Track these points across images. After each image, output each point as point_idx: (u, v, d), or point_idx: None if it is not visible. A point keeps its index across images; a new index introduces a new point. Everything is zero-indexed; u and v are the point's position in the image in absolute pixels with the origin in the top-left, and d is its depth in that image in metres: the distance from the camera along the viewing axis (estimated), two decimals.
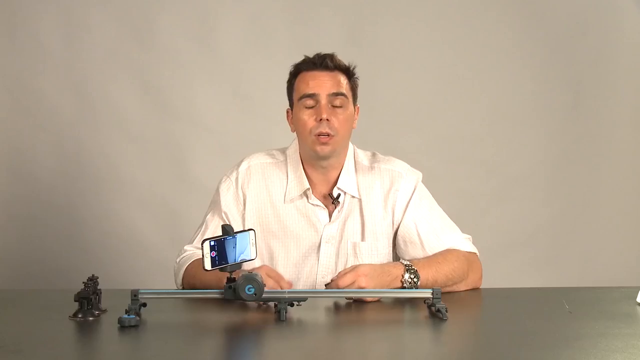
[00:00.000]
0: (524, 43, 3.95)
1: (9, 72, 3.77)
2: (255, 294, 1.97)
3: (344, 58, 2.48)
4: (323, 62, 2.41)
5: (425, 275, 2.31)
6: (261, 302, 2.09)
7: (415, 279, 2.28)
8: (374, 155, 2.55)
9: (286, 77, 2.49)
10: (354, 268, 2.22)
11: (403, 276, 2.28)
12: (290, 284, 2.22)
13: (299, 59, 2.46)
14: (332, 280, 2.23)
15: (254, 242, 2.01)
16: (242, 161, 2.52)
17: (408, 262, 2.32)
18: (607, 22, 3.95)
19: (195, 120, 3.85)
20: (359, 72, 2.48)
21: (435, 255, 2.41)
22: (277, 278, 2.20)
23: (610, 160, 3.99)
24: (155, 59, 3.82)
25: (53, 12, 3.78)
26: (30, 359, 1.72)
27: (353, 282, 2.19)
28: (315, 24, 3.86)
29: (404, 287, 2.28)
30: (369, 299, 2.19)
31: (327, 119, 2.37)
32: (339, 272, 2.24)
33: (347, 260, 2.44)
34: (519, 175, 3.98)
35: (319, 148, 2.39)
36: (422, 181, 2.53)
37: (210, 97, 3.85)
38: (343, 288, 2.18)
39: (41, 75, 3.78)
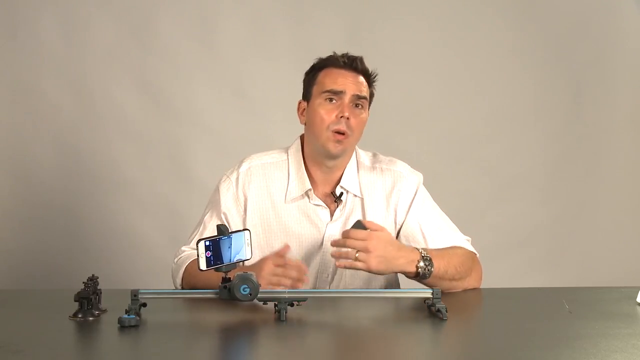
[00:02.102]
0: (524, 43, 3.95)
1: (9, 72, 3.77)
2: (250, 294, 1.97)
3: None
4: (353, 63, 2.43)
5: (438, 265, 2.30)
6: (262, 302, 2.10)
7: (429, 267, 2.28)
8: (375, 155, 2.56)
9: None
10: (371, 239, 2.19)
11: (419, 262, 2.27)
12: (301, 271, 2.19)
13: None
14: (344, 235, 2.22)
15: (250, 242, 2.01)
16: (242, 162, 2.52)
17: (423, 250, 2.31)
18: (607, 22, 3.95)
19: (195, 120, 3.85)
20: None
21: (444, 248, 2.41)
22: (285, 268, 2.18)
23: (610, 160, 3.99)
24: (155, 59, 3.82)
25: (53, 11, 3.77)
26: (30, 359, 1.72)
27: (360, 253, 2.18)
28: (316, 24, 3.86)
29: (418, 273, 2.28)
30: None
31: (348, 118, 2.38)
32: (353, 232, 2.21)
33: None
34: (519, 175, 3.98)
35: (332, 145, 2.39)
36: (422, 182, 2.54)
37: (210, 97, 3.84)
38: (350, 247, 2.18)
39: (41, 74, 3.78)
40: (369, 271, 2.24)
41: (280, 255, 2.22)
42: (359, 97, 2.41)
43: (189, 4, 3.84)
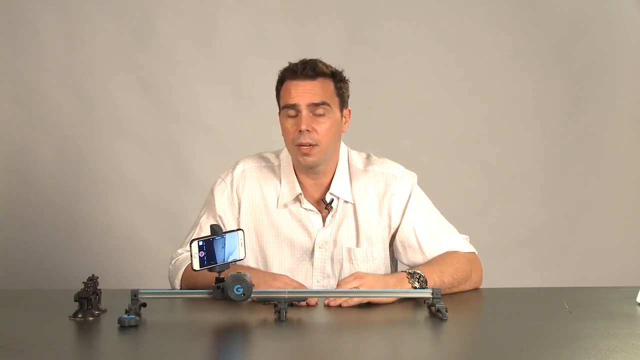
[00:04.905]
0: (524, 43, 3.95)
1: (9, 72, 3.77)
2: (243, 294, 1.97)
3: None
4: (304, 71, 2.37)
5: (432, 278, 2.29)
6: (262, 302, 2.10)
7: (421, 279, 2.27)
8: (368, 157, 2.52)
9: None
10: (360, 279, 2.20)
11: (409, 280, 2.26)
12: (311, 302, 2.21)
13: (299, 59, 2.44)
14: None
15: (243, 242, 2.01)
16: (236, 164, 2.51)
17: (413, 271, 2.29)
18: (607, 22, 3.95)
19: (195, 120, 3.85)
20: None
21: (435, 259, 2.40)
22: (298, 287, 2.22)
23: (610, 160, 3.99)
24: (155, 58, 3.82)
25: (53, 11, 3.78)
26: (31, 359, 1.72)
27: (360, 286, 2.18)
28: (316, 24, 3.86)
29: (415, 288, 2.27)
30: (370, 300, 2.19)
31: (308, 130, 2.34)
32: (342, 280, 2.23)
33: (342, 266, 2.43)
34: (519, 175, 3.97)
35: (301, 159, 2.37)
36: (420, 182, 2.51)
37: (210, 97, 3.85)
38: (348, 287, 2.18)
39: (41, 75, 3.78)
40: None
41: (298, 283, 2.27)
42: (317, 105, 2.35)
43: (189, 4, 3.84)
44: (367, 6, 3.89)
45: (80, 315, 2.00)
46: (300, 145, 2.35)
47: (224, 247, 1.98)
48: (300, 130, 2.34)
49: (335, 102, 2.39)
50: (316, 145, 2.36)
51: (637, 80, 3.97)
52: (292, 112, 2.37)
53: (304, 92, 2.36)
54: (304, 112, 2.35)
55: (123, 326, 1.90)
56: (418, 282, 2.26)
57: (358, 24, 3.89)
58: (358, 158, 2.51)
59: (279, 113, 2.45)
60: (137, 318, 1.93)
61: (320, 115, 2.36)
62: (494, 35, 3.94)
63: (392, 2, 3.90)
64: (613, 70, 3.96)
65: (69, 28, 3.79)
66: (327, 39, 3.79)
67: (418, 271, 2.29)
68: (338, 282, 2.24)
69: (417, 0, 3.92)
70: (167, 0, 3.83)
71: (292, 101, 2.36)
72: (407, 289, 2.24)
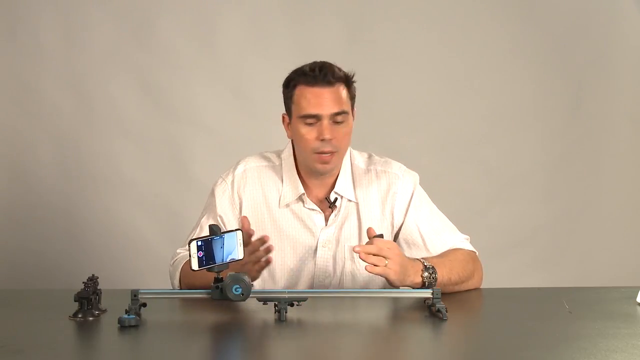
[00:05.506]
0: (524, 43, 3.95)
1: (9, 72, 3.77)
2: (242, 294, 1.97)
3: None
4: (325, 77, 2.34)
5: (441, 272, 2.30)
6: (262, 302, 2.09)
7: (434, 275, 2.28)
8: (370, 157, 2.53)
9: (286, 77, 2.46)
10: (391, 250, 2.20)
11: (423, 272, 2.27)
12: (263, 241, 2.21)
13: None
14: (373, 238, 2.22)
15: (242, 242, 2.01)
16: (238, 164, 2.50)
17: (425, 260, 2.31)
18: (607, 22, 3.95)
19: (195, 120, 3.85)
20: (358, 73, 2.46)
21: (444, 253, 2.41)
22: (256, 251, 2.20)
23: (610, 160, 3.99)
24: (155, 59, 3.82)
25: (52, 11, 3.77)
26: (30, 359, 1.72)
27: (383, 263, 2.17)
28: (315, 24, 3.86)
29: (424, 283, 2.27)
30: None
31: (330, 138, 2.33)
32: (377, 240, 2.20)
33: (344, 265, 2.43)
34: (519, 175, 3.97)
35: (319, 167, 2.37)
36: (420, 182, 2.52)
37: (210, 97, 3.84)
38: (379, 254, 2.17)
39: (41, 75, 3.78)
40: (389, 279, 2.21)
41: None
42: (337, 114, 2.34)
43: (189, 4, 3.84)
44: (367, 6, 3.89)
45: (80, 315, 2.00)
46: (322, 153, 2.34)
47: (222, 247, 1.98)
48: (323, 139, 2.33)
49: (349, 106, 2.38)
50: (336, 152, 2.36)
51: (637, 80, 3.97)
52: (311, 121, 2.34)
53: (326, 101, 2.34)
54: (326, 121, 2.34)
55: (123, 326, 1.90)
56: (430, 278, 2.27)
57: (358, 24, 3.88)
58: (360, 158, 2.52)
59: (288, 116, 2.42)
60: (137, 318, 1.93)
61: (339, 122, 2.35)
62: (494, 35, 3.94)
63: (392, 2, 3.90)
64: (613, 70, 3.96)
65: (69, 28, 3.79)
66: (327, 39, 3.79)
67: (432, 265, 2.29)
68: (374, 239, 2.20)
69: (418, 0, 3.92)
70: (167, 0, 3.83)
71: (313, 111, 2.34)
72: (407, 289, 2.25)
